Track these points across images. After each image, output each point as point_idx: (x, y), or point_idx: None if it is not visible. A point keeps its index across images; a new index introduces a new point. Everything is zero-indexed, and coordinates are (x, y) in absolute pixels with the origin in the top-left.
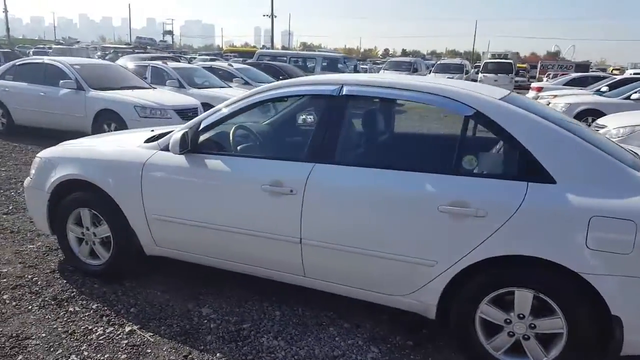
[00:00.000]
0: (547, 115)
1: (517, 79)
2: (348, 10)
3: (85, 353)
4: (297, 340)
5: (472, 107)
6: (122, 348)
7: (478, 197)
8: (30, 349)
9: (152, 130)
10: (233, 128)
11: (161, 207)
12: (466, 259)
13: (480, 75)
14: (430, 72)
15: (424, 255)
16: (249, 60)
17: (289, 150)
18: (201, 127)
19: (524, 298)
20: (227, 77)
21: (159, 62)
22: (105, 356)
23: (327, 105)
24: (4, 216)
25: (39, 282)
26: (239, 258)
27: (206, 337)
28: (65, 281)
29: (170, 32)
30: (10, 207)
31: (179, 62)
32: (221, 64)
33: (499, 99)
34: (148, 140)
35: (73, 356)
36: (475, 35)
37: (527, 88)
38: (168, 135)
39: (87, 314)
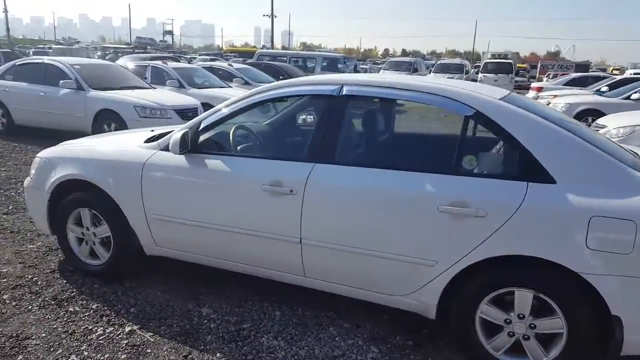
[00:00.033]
0: (547, 115)
1: (517, 79)
2: (348, 10)
3: (85, 353)
4: (297, 340)
5: (472, 107)
6: (122, 348)
7: (478, 197)
8: (30, 349)
9: (152, 130)
10: (233, 128)
11: (161, 207)
12: (466, 259)
13: (480, 75)
14: (430, 72)
15: (424, 255)
16: (249, 60)
17: (289, 150)
18: (201, 127)
19: (524, 298)
20: (227, 77)
21: (159, 62)
22: (106, 356)
23: (327, 105)
24: (4, 216)
25: (39, 282)
26: (239, 258)
27: (206, 337)
28: (65, 281)
29: (170, 32)
30: (10, 207)
31: (179, 62)
32: (221, 64)
33: (499, 99)
34: (148, 140)
35: (73, 356)
36: (475, 35)
37: (527, 88)
38: (168, 135)
39: (87, 314)
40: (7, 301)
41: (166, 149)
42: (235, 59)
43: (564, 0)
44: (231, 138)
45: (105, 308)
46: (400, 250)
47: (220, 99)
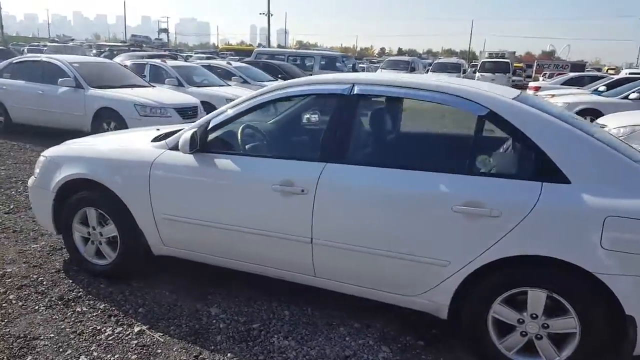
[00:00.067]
0: (560, 115)
1: (513, 78)
2: (344, 9)
3: (95, 354)
4: (307, 340)
5: (486, 107)
6: (132, 348)
7: (492, 197)
8: (39, 349)
9: (158, 130)
10: (242, 127)
11: (170, 206)
12: (480, 259)
13: (477, 74)
14: (427, 72)
15: (437, 255)
16: (247, 59)
17: (300, 149)
18: (210, 126)
19: (537, 298)
20: (225, 75)
21: (157, 60)
22: (116, 356)
23: (339, 105)
24: (6, 215)
25: (44, 282)
26: (248, 258)
27: (216, 337)
28: (71, 281)
29: (166, 30)
30: (12, 206)
31: (177, 60)
32: (220, 62)
33: (512, 99)
34: (155, 140)
35: (83, 357)
36: (471, 35)
37: (524, 87)
38: (177, 135)
39: (94, 314)
40: (14, 301)
41: (174, 148)
42: (232, 57)
43: (559, 0)
44: (239, 137)
45: (113, 308)
46: (413, 250)
47: (220, 98)
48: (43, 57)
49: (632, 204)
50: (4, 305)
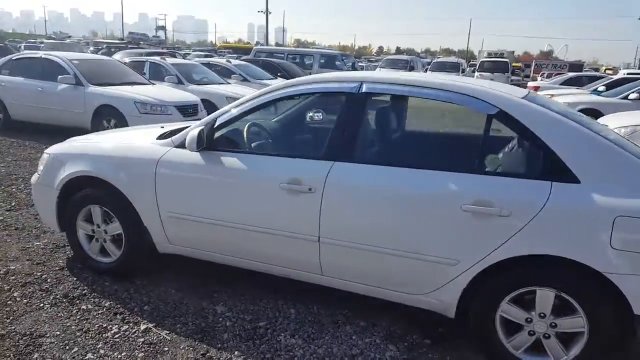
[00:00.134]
0: (569, 115)
1: (512, 78)
2: (342, 8)
3: (102, 351)
4: (314, 338)
5: (496, 106)
6: (138, 346)
7: (502, 196)
8: (45, 347)
9: (162, 127)
10: (249, 125)
11: (176, 204)
12: (489, 259)
13: (476, 73)
14: (426, 71)
15: (445, 254)
16: (245, 57)
17: (307, 148)
18: (216, 124)
19: (545, 297)
20: (225, 73)
21: (157, 58)
22: (123, 354)
23: (347, 103)
24: (7, 212)
25: (48, 280)
26: (254, 256)
27: (223, 335)
28: (75, 279)
29: (163, 28)
30: (13, 204)
31: (176, 57)
32: (219, 60)
33: (521, 98)
34: (160, 137)
35: (89, 354)
36: (469, 34)
37: (523, 87)
38: (183, 132)
39: (100, 311)
40: (18, 299)
41: (181, 145)
42: (230, 55)
43: (557, 0)
44: (246, 135)
45: (119, 306)
46: (421, 249)
47: (220, 96)
48: (42, 54)
49: None
50: (8, 302)
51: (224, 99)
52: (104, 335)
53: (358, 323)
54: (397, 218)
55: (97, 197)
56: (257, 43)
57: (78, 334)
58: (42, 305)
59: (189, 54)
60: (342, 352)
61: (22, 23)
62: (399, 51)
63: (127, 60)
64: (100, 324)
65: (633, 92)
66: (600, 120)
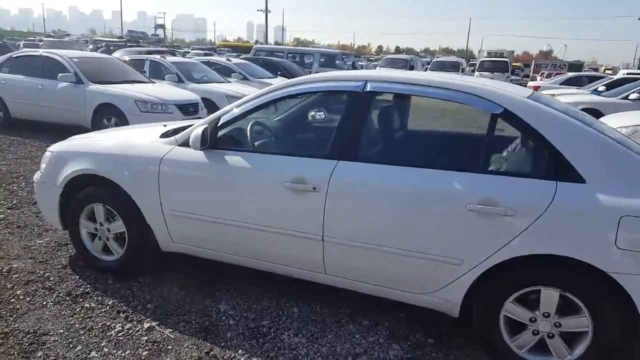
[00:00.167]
0: (574, 114)
1: (512, 77)
2: (342, 7)
3: (106, 350)
4: (318, 337)
5: (501, 106)
6: (142, 344)
7: (507, 196)
8: (49, 345)
9: (165, 126)
10: (252, 124)
11: (179, 202)
12: (493, 258)
13: (476, 73)
14: (426, 70)
15: (450, 254)
16: (245, 56)
17: (311, 147)
18: (220, 122)
19: (550, 297)
20: (225, 72)
21: (157, 56)
22: (126, 352)
23: (351, 102)
24: (9, 211)
25: (51, 278)
26: (258, 255)
27: (226, 334)
28: (78, 277)
29: (162, 26)
30: (15, 202)
31: (175, 56)
32: (219, 58)
33: (526, 98)
34: (163, 136)
35: (93, 352)
36: (469, 33)
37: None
38: (186, 131)
39: (103, 310)
40: (21, 297)
41: (184, 144)
42: (229, 53)
43: (556, 0)
44: (250, 134)
45: (122, 304)
46: (425, 248)
47: (220, 95)
48: (42, 52)
49: None
50: (11, 300)
51: (224, 97)
52: (107, 333)
53: (361, 322)
54: (402, 217)
55: (100, 195)
56: (257, 42)
57: (82, 332)
58: (45, 303)
59: (188, 52)
60: (345, 350)
61: (21, 21)
62: (398, 50)
63: (127, 58)
64: (104, 322)
65: (633, 92)
66: (601, 120)
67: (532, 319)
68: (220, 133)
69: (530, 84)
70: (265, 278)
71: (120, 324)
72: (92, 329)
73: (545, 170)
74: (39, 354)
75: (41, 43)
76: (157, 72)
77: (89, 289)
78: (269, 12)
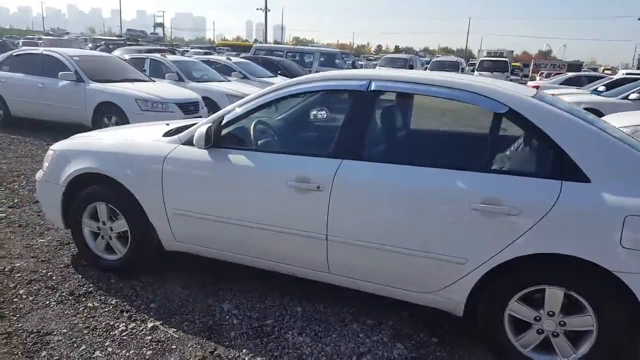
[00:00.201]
0: (578, 114)
1: (511, 77)
2: (341, 6)
3: (110, 349)
4: (321, 336)
5: (506, 105)
6: (146, 344)
7: (511, 195)
8: (53, 344)
9: (167, 124)
10: (255, 123)
11: (183, 201)
12: (497, 257)
13: (476, 73)
14: (426, 69)
15: (454, 253)
16: (245, 55)
17: (315, 146)
18: (224, 121)
19: (554, 296)
20: (225, 71)
21: (157, 55)
22: (131, 352)
23: (355, 101)
24: (10, 209)
25: (54, 277)
26: (261, 254)
27: (230, 333)
28: (80, 276)
29: (162, 25)
30: (16, 200)
31: (175, 54)
32: (219, 57)
33: (531, 97)
34: (166, 134)
35: (97, 352)
36: (468, 33)
37: None
38: (190, 129)
39: (106, 309)
40: (24, 296)
41: (188, 143)
42: (229, 52)
43: (555, 0)
44: (254, 133)
45: (125, 304)
46: (430, 247)
47: (220, 93)
48: (43, 50)
49: None
50: (14, 300)
51: (224, 96)
52: (111, 333)
53: (365, 321)
54: (406, 216)
55: (102, 194)
56: (256, 41)
57: (85, 331)
58: (48, 302)
59: (187, 51)
60: (350, 350)
61: (20, 19)
62: (397, 50)
63: (127, 57)
64: (107, 321)
65: (633, 92)
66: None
67: (537, 317)
68: (224, 132)
69: (530, 83)
70: (269, 277)
71: (123, 324)
72: (95, 328)
73: (550, 170)
74: (43, 354)
75: (40, 41)
76: (158, 71)
77: (91, 288)
78: (269, 10)
